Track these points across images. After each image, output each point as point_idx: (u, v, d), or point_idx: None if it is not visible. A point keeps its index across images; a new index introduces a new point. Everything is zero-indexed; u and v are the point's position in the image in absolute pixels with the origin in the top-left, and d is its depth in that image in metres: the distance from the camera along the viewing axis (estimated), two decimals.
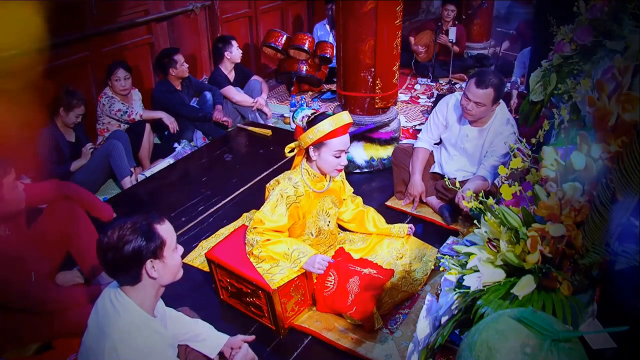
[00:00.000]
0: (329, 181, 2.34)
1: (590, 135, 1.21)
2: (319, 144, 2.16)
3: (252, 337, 1.87)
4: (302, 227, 2.32)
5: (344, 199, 2.53)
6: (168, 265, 1.48)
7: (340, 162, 2.19)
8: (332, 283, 2.22)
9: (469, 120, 2.85)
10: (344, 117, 2.15)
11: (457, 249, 1.59)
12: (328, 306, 2.23)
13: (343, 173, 2.49)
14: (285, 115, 4.77)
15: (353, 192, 2.63)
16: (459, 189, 1.93)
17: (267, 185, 2.31)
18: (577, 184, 1.25)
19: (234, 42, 4.38)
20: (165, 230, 1.47)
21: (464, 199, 2.62)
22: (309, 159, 2.25)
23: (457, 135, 2.94)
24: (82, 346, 1.50)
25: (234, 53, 4.39)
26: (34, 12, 3.28)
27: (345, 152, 2.21)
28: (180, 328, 1.76)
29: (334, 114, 2.18)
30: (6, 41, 3.13)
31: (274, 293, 2.09)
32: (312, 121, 2.16)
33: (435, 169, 3.10)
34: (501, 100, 2.86)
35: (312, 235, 2.38)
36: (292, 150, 2.27)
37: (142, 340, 1.43)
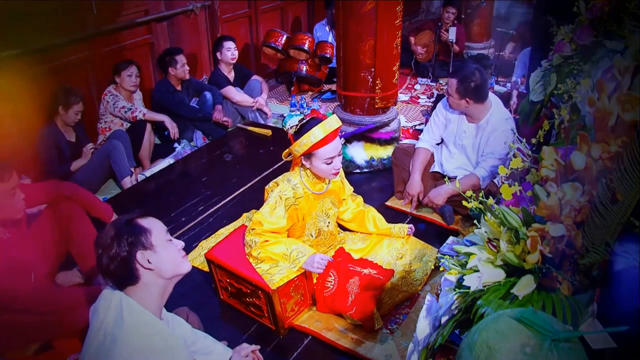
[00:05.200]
0: (328, 182, 2.34)
1: (590, 135, 1.21)
2: (308, 155, 2.15)
3: (257, 347, 1.86)
4: (302, 228, 2.32)
5: (344, 199, 2.52)
6: (161, 255, 1.45)
7: (334, 167, 2.16)
8: (332, 283, 2.22)
9: (450, 108, 2.94)
10: (327, 126, 2.08)
11: (457, 249, 1.59)
12: (328, 307, 2.23)
13: (342, 172, 2.48)
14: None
15: (353, 192, 2.63)
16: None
17: (266, 187, 2.30)
18: (577, 184, 1.25)
19: (225, 43, 4.36)
20: (149, 222, 1.47)
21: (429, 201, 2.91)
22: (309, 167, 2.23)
23: (455, 133, 2.97)
24: (85, 349, 1.49)
25: (224, 54, 4.38)
26: (35, 12, 3.28)
27: (339, 155, 2.16)
28: (183, 331, 1.74)
29: (322, 119, 2.12)
30: (6, 41, 3.14)
31: (274, 293, 2.09)
32: (299, 131, 2.12)
33: (436, 167, 3.11)
34: (497, 98, 2.92)
35: (312, 236, 2.37)
36: (290, 154, 2.27)
37: (150, 343, 1.40)
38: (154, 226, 1.48)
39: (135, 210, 1.50)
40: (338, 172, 2.22)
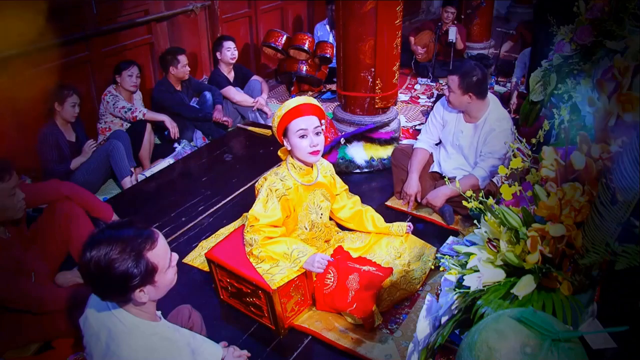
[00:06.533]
0: (317, 174, 2.35)
1: (590, 135, 1.21)
2: (285, 132, 2.18)
3: (248, 354, 1.87)
4: (295, 220, 2.32)
5: (337, 195, 2.53)
6: (160, 287, 1.41)
7: (310, 144, 2.15)
8: (332, 280, 2.23)
9: (450, 106, 2.93)
10: (302, 99, 2.17)
11: (457, 249, 1.59)
12: (328, 304, 2.23)
13: (332, 169, 2.48)
14: None
15: (352, 192, 2.63)
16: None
17: (256, 185, 2.31)
18: (577, 184, 1.25)
19: (225, 43, 4.37)
20: (157, 254, 1.36)
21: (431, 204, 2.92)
22: (292, 152, 2.26)
23: (453, 133, 2.98)
24: (87, 352, 1.49)
25: (224, 54, 4.39)
26: (35, 12, 3.28)
27: (316, 134, 2.16)
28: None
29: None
30: (6, 41, 3.14)
31: (274, 293, 2.09)
32: None
33: (434, 168, 3.11)
34: (495, 98, 2.92)
35: (306, 229, 2.38)
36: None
37: (149, 344, 1.40)
38: (161, 259, 1.38)
39: (146, 232, 1.37)
40: (317, 153, 2.19)
